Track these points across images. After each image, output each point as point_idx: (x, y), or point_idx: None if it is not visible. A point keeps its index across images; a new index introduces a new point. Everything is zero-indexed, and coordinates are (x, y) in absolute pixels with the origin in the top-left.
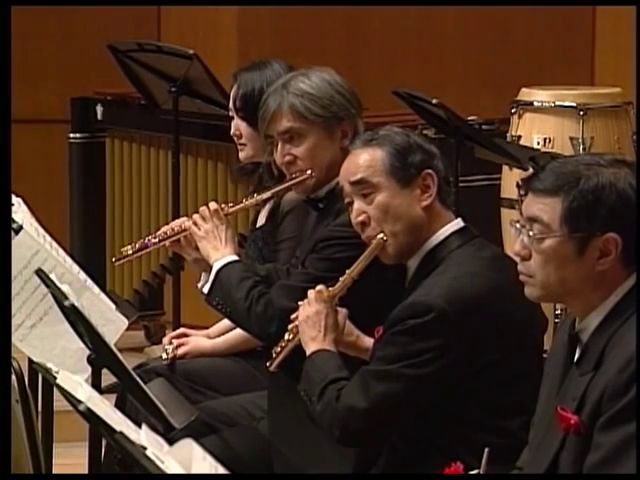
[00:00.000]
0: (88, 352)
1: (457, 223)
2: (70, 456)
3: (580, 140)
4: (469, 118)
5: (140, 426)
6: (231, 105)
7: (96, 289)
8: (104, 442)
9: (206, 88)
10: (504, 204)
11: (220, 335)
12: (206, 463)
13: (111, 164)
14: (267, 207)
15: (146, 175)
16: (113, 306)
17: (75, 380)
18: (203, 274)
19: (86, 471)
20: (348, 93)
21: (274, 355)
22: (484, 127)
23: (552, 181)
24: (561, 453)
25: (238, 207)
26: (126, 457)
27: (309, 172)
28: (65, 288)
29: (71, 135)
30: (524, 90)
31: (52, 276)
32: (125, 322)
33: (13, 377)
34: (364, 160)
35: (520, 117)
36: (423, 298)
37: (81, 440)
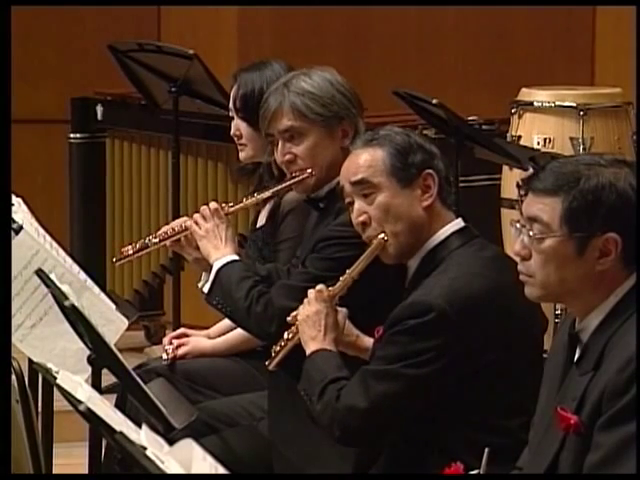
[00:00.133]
0: (88, 352)
1: (457, 223)
2: (70, 456)
3: (580, 140)
4: (469, 118)
5: (140, 426)
6: (231, 105)
7: (96, 289)
8: (104, 442)
9: (206, 88)
10: (504, 204)
11: (220, 335)
12: (206, 463)
13: (111, 164)
14: (267, 207)
15: (146, 175)
16: (113, 306)
17: (75, 380)
18: (204, 274)
19: (86, 471)
20: (349, 93)
21: (273, 354)
22: (484, 127)
23: (552, 181)
24: (561, 453)
25: (239, 206)
26: (126, 457)
27: (309, 171)
28: (65, 288)
29: (71, 135)
30: (524, 90)
31: (52, 276)
32: (125, 322)
33: (13, 377)
34: (365, 160)
35: (520, 117)
36: (423, 298)
37: (81, 440)
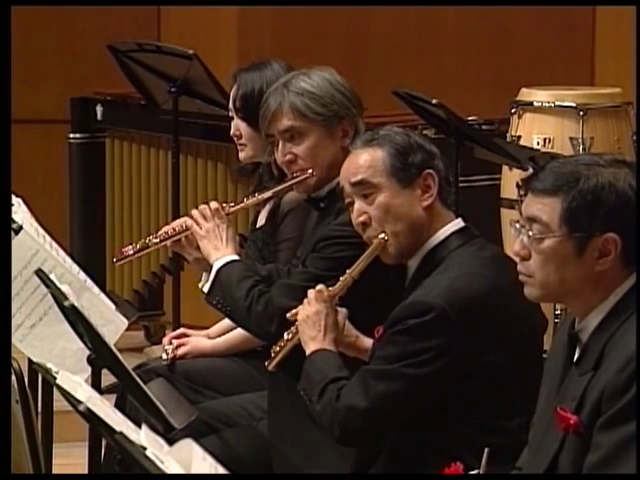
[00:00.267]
0: (88, 352)
1: (457, 223)
2: (70, 456)
3: (580, 140)
4: (469, 118)
5: (140, 426)
6: (231, 105)
7: (96, 289)
8: (104, 442)
9: (206, 88)
10: (504, 204)
11: (220, 335)
12: (206, 463)
13: (111, 164)
14: (267, 207)
15: (146, 175)
16: (113, 306)
17: (75, 380)
18: (204, 274)
19: (86, 471)
20: (349, 92)
21: (273, 354)
22: (484, 127)
23: (552, 181)
24: (561, 453)
25: (239, 206)
26: (126, 457)
27: (310, 171)
28: (65, 288)
29: (71, 135)
30: (524, 90)
31: (52, 276)
32: (125, 322)
33: (13, 377)
34: (364, 160)
35: (520, 117)
36: (423, 298)
37: (81, 440)
